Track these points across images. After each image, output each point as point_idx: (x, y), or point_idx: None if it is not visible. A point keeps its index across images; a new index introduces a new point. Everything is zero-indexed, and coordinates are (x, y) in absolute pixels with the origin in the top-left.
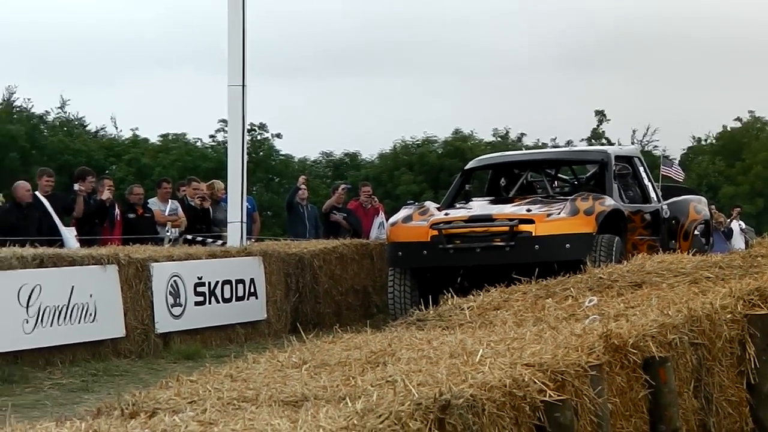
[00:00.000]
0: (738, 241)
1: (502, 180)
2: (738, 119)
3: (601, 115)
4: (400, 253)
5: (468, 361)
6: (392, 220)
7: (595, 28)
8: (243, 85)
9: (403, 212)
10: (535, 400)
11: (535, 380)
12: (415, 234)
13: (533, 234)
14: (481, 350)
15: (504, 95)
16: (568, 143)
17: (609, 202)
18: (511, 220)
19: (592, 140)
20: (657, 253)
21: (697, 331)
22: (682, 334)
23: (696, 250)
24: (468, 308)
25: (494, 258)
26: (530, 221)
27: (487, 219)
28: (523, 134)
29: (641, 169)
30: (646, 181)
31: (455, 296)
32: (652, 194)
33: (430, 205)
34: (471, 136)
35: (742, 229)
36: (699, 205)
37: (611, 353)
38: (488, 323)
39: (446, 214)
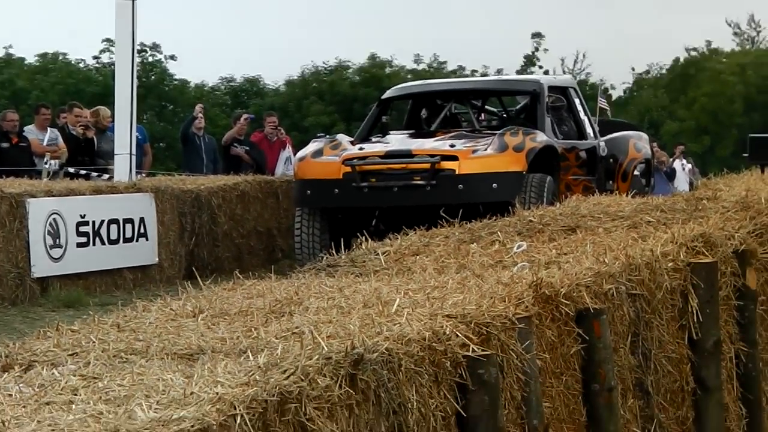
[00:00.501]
0: (681, 183)
1: (423, 111)
2: (694, 50)
3: (538, 38)
4: (308, 191)
5: (383, 312)
6: (300, 154)
7: None
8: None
9: (312, 146)
10: (457, 355)
11: (458, 333)
12: (325, 171)
13: (457, 172)
14: (398, 300)
15: (427, 16)
16: (499, 72)
17: (541, 138)
18: (432, 156)
19: (526, 68)
20: (592, 194)
21: (636, 281)
22: (619, 283)
23: (635, 192)
24: (384, 253)
25: (413, 198)
26: (454, 158)
27: (406, 155)
28: (445, 62)
29: (577, 101)
30: (582, 115)
31: (370, 239)
32: (589, 130)
33: (343, 138)
34: (389, 62)
35: (685, 169)
36: (639, 143)
37: (541, 304)
38: (406, 270)
39: (361, 149)
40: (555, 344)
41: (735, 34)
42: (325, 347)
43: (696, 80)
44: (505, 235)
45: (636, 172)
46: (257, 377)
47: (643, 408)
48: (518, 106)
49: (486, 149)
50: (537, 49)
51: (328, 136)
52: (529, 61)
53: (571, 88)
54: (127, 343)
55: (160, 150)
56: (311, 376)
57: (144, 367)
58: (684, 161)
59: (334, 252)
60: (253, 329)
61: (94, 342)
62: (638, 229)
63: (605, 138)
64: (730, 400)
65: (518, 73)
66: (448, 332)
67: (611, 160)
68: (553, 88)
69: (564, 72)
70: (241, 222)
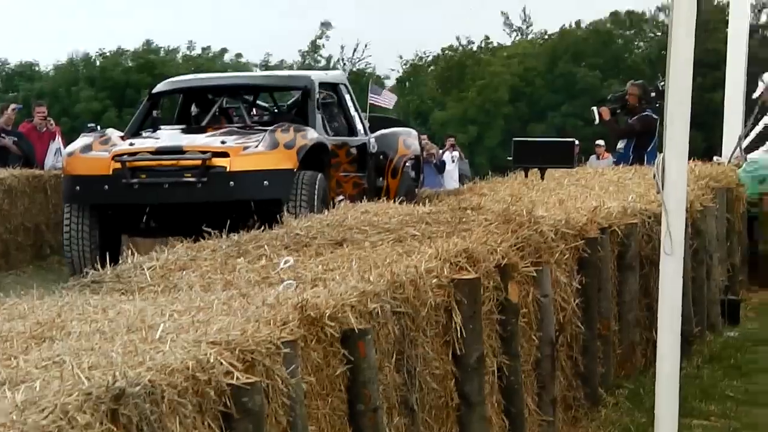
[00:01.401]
0: (451, 175)
1: (194, 107)
2: (471, 42)
3: (326, 27)
4: (78, 187)
5: (147, 338)
6: (69, 149)
7: None
8: None
9: (81, 140)
10: (221, 384)
11: (222, 361)
12: (95, 166)
13: (228, 169)
14: (162, 324)
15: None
16: (281, 63)
17: (312, 135)
18: (203, 152)
19: (310, 54)
20: (363, 190)
21: (401, 299)
22: (384, 302)
23: (406, 191)
24: (150, 268)
25: (184, 195)
26: (225, 154)
27: (177, 151)
28: (225, 50)
29: (347, 97)
30: (352, 111)
31: (135, 253)
32: (359, 126)
33: (113, 133)
34: (163, 49)
35: (455, 161)
36: (409, 139)
37: (307, 326)
38: (172, 287)
39: (131, 144)
40: (320, 366)
41: (507, 25)
42: (86, 382)
43: (470, 73)
44: (272, 249)
45: (405, 169)
46: (14, 417)
47: (409, 426)
48: (290, 102)
49: (257, 146)
50: (321, 36)
51: (98, 130)
52: (314, 47)
53: (342, 84)
54: None
55: None
56: (71, 414)
57: None
58: (454, 152)
59: (101, 252)
60: (12, 358)
61: None
62: (403, 242)
63: (375, 135)
64: (494, 413)
65: (301, 61)
66: (212, 360)
67: (381, 156)
68: (323, 84)
69: (341, 60)
70: (8, 217)
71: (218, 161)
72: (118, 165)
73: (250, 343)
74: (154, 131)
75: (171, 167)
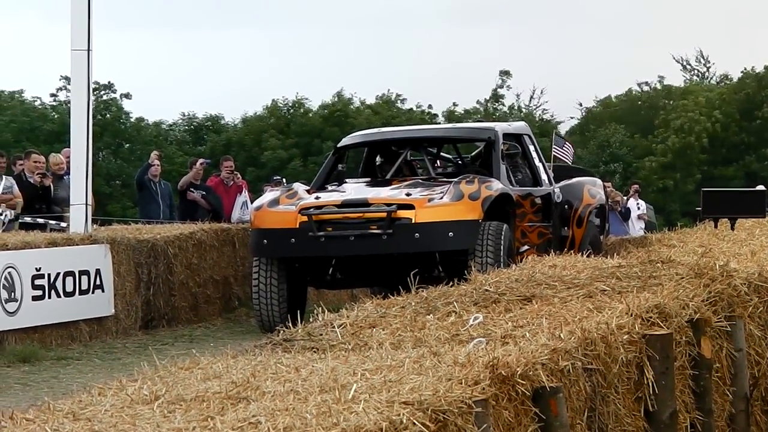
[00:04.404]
0: (636, 223)
1: (379, 159)
2: (646, 84)
3: (505, 75)
4: (265, 241)
5: (340, 399)
6: (256, 204)
7: None
8: (89, 50)
9: (268, 195)
10: None
11: (414, 421)
12: (282, 220)
13: (413, 221)
14: (355, 385)
15: (391, 52)
16: (465, 114)
17: (496, 186)
18: (388, 205)
19: (492, 103)
20: (548, 240)
21: (592, 356)
22: (575, 359)
23: (589, 247)
24: (340, 326)
25: (370, 247)
26: (410, 206)
27: (363, 204)
28: (404, 98)
29: (531, 147)
30: (536, 161)
31: (326, 311)
32: (543, 176)
33: (299, 187)
34: (351, 99)
35: (640, 209)
36: (594, 188)
37: (498, 385)
38: (363, 345)
39: (317, 198)
40: (512, 425)
41: (685, 69)
42: None
43: (662, 116)
44: (461, 305)
45: (591, 219)
46: None
47: None
48: (473, 153)
49: (442, 198)
50: (501, 86)
51: (284, 185)
52: (495, 97)
53: (526, 134)
54: None
55: (116, 188)
56: None
57: None
58: (639, 201)
59: (288, 308)
60: (209, 419)
61: None
62: (593, 298)
63: (560, 185)
64: None
65: (483, 108)
66: (404, 421)
67: (566, 206)
68: (507, 136)
69: (520, 108)
70: (197, 271)
71: (403, 213)
72: (305, 218)
73: (443, 403)
74: (340, 185)
75: (356, 220)
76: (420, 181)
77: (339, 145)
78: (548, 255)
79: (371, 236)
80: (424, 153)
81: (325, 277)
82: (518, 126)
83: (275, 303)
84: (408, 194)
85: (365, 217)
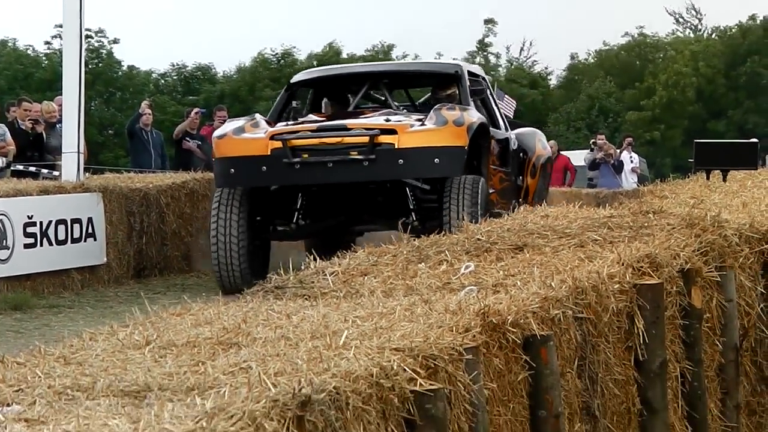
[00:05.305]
0: (629, 176)
1: (325, 100)
2: (628, 35)
3: (491, 24)
4: (232, 170)
5: (331, 345)
6: (218, 132)
7: None
8: None
9: (231, 124)
10: (404, 391)
11: (405, 368)
12: (251, 147)
13: (396, 146)
14: (346, 331)
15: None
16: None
17: (476, 114)
18: (369, 129)
19: (479, 53)
20: (507, 187)
21: (582, 305)
22: (565, 308)
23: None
24: (332, 274)
25: (350, 174)
26: (392, 131)
27: (341, 128)
28: (393, 46)
29: (488, 92)
30: (493, 105)
31: (317, 259)
32: (500, 121)
33: (261, 118)
34: (338, 48)
35: (634, 162)
36: (543, 140)
37: (488, 333)
38: (354, 292)
39: (289, 124)
40: (502, 372)
41: (677, 22)
42: (273, 389)
43: (649, 68)
44: (452, 254)
45: (543, 170)
46: (204, 424)
47: None
48: (422, 99)
49: (424, 123)
50: (488, 35)
51: (247, 116)
52: (482, 46)
53: (483, 77)
54: (73, 378)
55: (108, 136)
56: (258, 421)
57: (90, 409)
58: (632, 154)
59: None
60: (200, 363)
61: (39, 377)
62: (585, 248)
63: (515, 131)
64: (676, 419)
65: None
66: (395, 367)
67: (521, 154)
68: (471, 74)
69: (508, 61)
70: (189, 220)
71: (386, 138)
72: (278, 144)
73: (433, 350)
74: (296, 123)
75: (336, 145)
76: (392, 111)
77: (292, 81)
78: (510, 203)
79: (352, 162)
80: (385, 89)
81: (291, 221)
82: (477, 67)
83: (235, 241)
84: (387, 120)
85: (345, 142)
